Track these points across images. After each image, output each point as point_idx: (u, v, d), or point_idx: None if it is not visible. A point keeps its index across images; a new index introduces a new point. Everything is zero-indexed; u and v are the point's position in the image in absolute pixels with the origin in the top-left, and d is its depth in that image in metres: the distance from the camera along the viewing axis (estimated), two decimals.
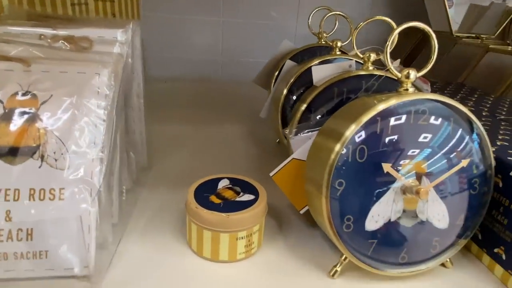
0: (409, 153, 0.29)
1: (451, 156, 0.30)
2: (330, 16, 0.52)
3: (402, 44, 0.96)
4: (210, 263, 0.33)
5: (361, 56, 0.39)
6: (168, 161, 0.52)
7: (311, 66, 0.44)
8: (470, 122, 0.31)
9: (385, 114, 0.29)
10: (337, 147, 0.29)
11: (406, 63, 0.91)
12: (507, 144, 0.37)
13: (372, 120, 0.29)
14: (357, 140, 0.29)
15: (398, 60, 0.39)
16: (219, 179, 0.37)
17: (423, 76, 0.42)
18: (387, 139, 0.29)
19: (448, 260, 0.34)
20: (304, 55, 0.57)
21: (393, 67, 0.30)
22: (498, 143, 0.37)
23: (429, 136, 0.30)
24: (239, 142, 0.60)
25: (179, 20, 0.93)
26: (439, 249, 0.32)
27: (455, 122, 0.30)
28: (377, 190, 0.30)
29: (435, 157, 0.30)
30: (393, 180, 0.30)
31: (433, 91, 0.59)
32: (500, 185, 0.33)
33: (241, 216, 0.31)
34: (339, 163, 0.29)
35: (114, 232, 0.36)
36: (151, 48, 0.94)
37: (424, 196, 0.29)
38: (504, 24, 0.81)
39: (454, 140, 0.30)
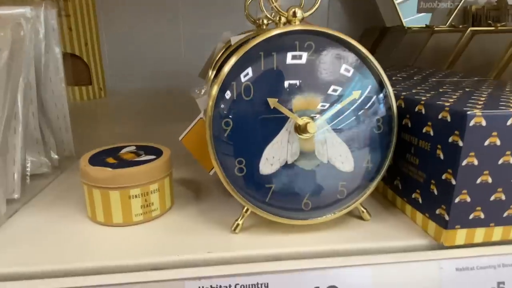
0: (300, 89, 0.28)
1: (345, 91, 0.29)
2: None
3: (364, 43, 0.97)
4: (103, 227, 0.30)
5: (270, 17, 0.39)
6: None
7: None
8: (369, 64, 0.30)
9: (268, 49, 0.28)
10: (218, 81, 0.27)
11: None
12: (423, 91, 0.35)
13: (254, 55, 0.28)
14: (241, 76, 0.28)
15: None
16: (126, 146, 0.35)
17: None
18: (273, 74, 0.28)
19: (364, 211, 0.31)
20: None
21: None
22: (414, 90, 0.36)
23: (322, 71, 0.28)
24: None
25: (139, 35, 0.95)
26: (347, 194, 0.30)
27: (347, 59, 0.29)
28: (269, 130, 0.28)
29: (328, 93, 0.28)
30: (285, 119, 0.28)
31: None
32: (409, 125, 0.31)
33: (131, 171, 0.29)
34: (224, 101, 0.27)
35: (12, 205, 0.34)
36: (113, 63, 0.95)
37: (311, 129, 0.27)
38: (454, 13, 0.82)
39: (349, 76, 0.29)
